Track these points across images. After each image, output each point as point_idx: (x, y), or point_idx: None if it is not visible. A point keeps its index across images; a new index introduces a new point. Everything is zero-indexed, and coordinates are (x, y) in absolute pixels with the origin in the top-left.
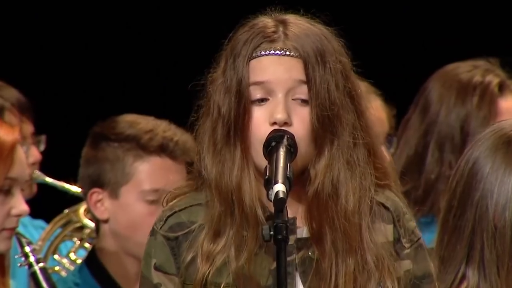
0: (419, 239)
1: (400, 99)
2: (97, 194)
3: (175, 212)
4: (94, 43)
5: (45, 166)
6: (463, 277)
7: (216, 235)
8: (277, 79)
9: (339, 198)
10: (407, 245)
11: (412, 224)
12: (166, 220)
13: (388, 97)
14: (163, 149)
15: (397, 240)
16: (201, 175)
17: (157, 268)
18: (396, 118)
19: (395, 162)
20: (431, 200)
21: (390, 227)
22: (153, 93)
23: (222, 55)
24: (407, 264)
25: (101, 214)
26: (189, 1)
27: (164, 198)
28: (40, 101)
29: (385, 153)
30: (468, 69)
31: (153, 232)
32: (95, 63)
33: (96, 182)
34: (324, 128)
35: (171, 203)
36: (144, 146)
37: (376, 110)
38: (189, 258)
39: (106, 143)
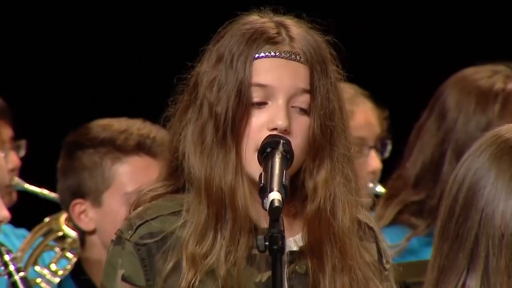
0: (391, 260)
1: (394, 100)
2: (79, 205)
3: (146, 221)
4: (73, 48)
5: (25, 172)
6: (464, 286)
7: (202, 238)
8: (281, 84)
9: (336, 213)
10: (386, 266)
11: (385, 244)
12: (136, 229)
13: (381, 99)
14: (140, 147)
15: (379, 261)
16: (183, 174)
17: (125, 280)
18: (389, 120)
19: (409, 170)
20: None
21: (374, 246)
22: (135, 97)
23: (211, 51)
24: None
25: (86, 225)
26: None
27: (135, 204)
28: (20, 105)
29: (376, 158)
30: (488, 75)
31: (119, 241)
32: (75, 68)
33: (76, 193)
34: (326, 139)
35: (139, 210)
36: (120, 147)
37: (366, 113)
38: (169, 267)
39: (81, 151)
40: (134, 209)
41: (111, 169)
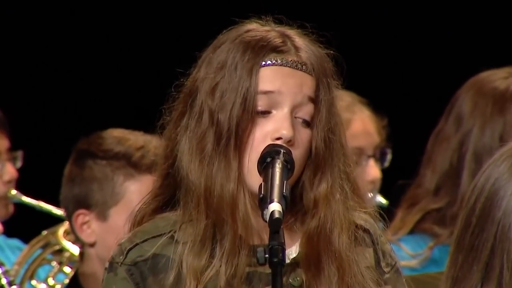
0: (396, 263)
1: (393, 108)
2: (83, 216)
3: (136, 244)
4: (69, 58)
5: (22, 184)
6: None
7: (201, 249)
8: (287, 90)
9: (334, 231)
10: (386, 269)
11: (388, 247)
12: (127, 253)
13: (379, 106)
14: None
15: (377, 264)
16: (180, 184)
17: None
18: (389, 128)
19: (428, 177)
20: None
21: (370, 251)
22: (133, 105)
23: (211, 57)
24: None
25: (87, 237)
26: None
27: (132, 221)
28: (16, 116)
29: (375, 167)
30: (504, 76)
31: (111, 268)
32: (72, 78)
33: (82, 203)
34: (328, 153)
35: (130, 234)
36: (135, 165)
37: (362, 121)
38: (169, 282)
39: (93, 161)
40: (132, 226)
41: (123, 185)
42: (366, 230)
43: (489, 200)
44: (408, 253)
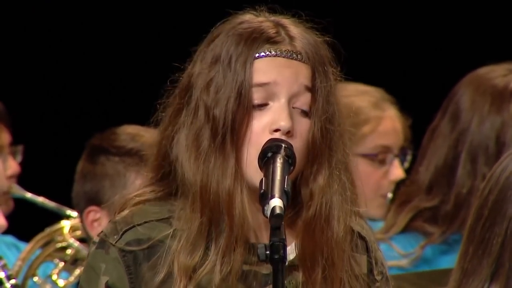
0: (386, 270)
1: (415, 108)
2: (94, 213)
3: (133, 226)
4: (69, 53)
5: (22, 179)
6: None
7: (194, 248)
8: (283, 81)
9: (331, 223)
10: (378, 277)
11: (380, 254)
12: (122, 234)
13: (403, 106)
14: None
15: (369, 272)
16: (175, 180)
17: (109, 287)
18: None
19: (422, 174)
20: (462, 216)
21: (364, 258)
22: (135, 100)
23: (205, 51)
24: None
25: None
26: None
27: (120, 205)
28: (17, 110)
29: (399, 167)
30: (503, 73)
31: (103, 245)
32: (72, 72)
33: (93, 199)
34: (325, 143)
35: (125, 214)
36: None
37: (391, 119)
38: (159, 280)
39: (105, 157)
40: (119, 214)
41: (134, 183)
42: (362, 237)
43: (503, 193)
44: (399, 253)
